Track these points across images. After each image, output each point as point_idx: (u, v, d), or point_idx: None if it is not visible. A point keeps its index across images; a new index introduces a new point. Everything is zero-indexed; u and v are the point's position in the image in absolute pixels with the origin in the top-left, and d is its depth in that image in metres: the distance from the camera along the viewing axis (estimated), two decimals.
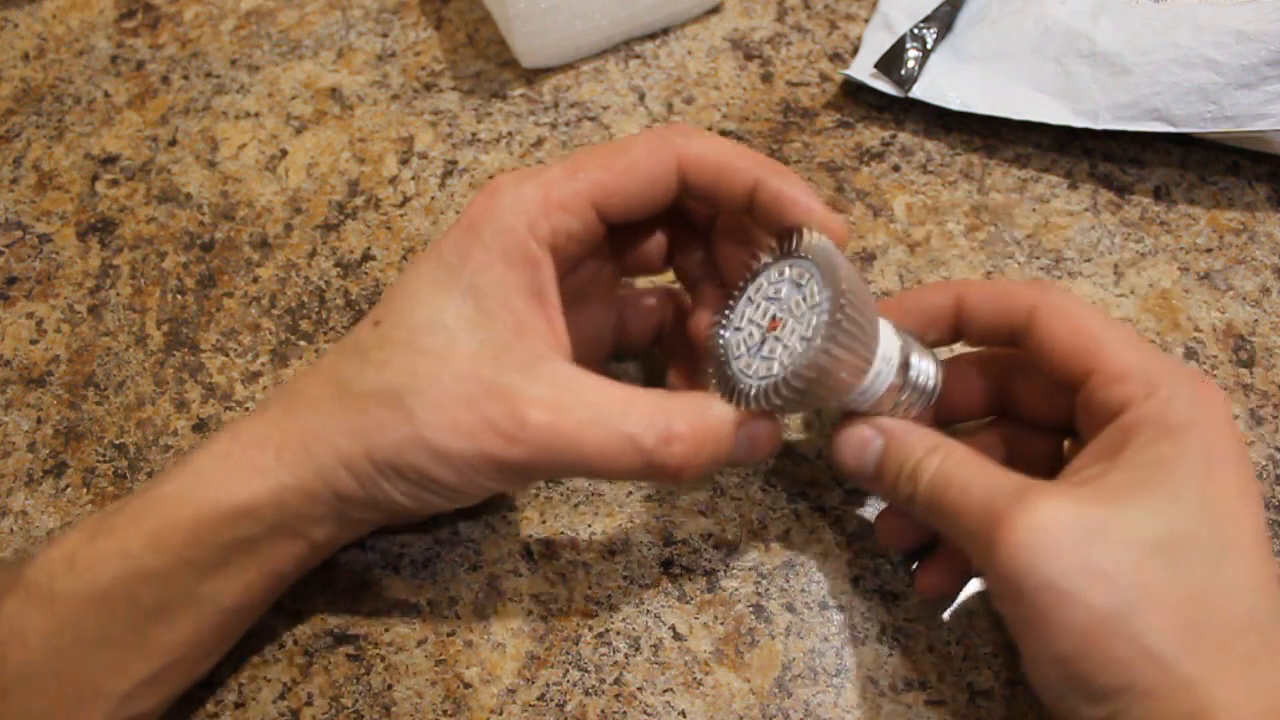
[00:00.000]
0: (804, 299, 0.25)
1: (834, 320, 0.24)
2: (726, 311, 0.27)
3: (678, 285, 0.33)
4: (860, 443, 0.27)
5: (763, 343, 0.26)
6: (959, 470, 0.25)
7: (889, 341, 0.26)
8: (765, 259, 0.27)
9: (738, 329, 0.27)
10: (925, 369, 0.28)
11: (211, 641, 0.27)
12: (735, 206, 0.27)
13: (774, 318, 0.26)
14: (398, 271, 0.38)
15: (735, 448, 0.26)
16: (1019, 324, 0.27)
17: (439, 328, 0.25)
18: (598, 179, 0.26)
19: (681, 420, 0.24)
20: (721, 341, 0.27)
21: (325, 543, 0.28)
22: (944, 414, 0.30)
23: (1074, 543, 0.22)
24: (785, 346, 0.25)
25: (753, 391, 0.25)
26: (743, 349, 0.26)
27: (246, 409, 0.35)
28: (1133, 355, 0.25)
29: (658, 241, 0.31)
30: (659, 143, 0.26)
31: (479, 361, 0.24)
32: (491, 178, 0.30)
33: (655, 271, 0.33)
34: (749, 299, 0.27)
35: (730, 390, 0.26)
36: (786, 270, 0.26)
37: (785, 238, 0.27)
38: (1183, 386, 0.24)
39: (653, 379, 0.36)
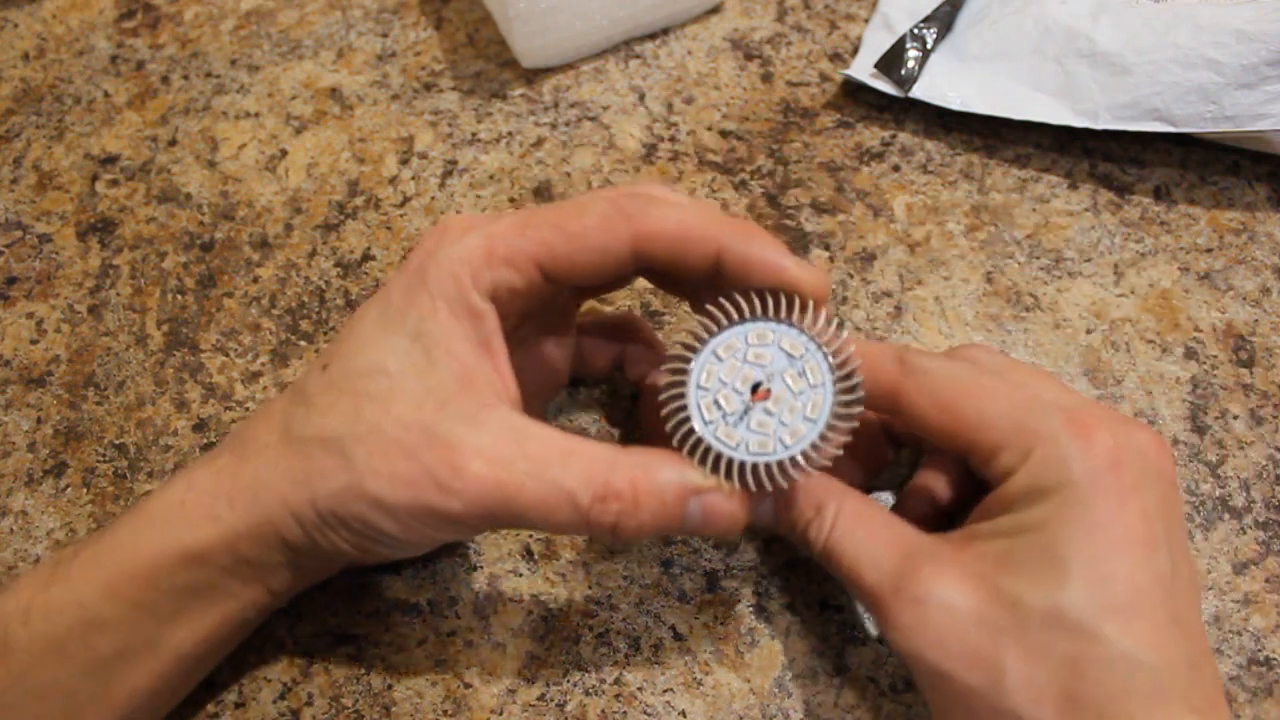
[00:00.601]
0: (801, 373, 0.24)
1: (850, 408, 0.24)
2: (681, 365, 0.25)
3: (635, 312, 0.32)
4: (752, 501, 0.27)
5: (746, 412, 0.24)
6: (846, 541, 0.26)
7: None
8: (734, 315, 0.25)
9: (703, 388, 0.25)
10: None
11: (171, 688, 0.27)
12: (700, 276, 0.26)
13: (759, 386, 0.24)
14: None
15: (685, 517, 0.24)
16: (888, 402, 0.26)
17: (382, 374, 0.24)
18: (545, 240, 0.25)
19: (622, 477, 0.23)
20: (684, 401, 0.25)
21: (284, 590, 0.28)
22: (905, 439, 0.31)
23: (952, 627, 0.23)
24: (784, 424, 0.24)
25: (750, 466, 0.24)
26: (716, 413, 0.24)
27: (247, 409, 0.35)
28: (1002, 423, 0.24)
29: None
30: (615, 213, 0.25)
31: (423, 409, 0.24)
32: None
33: (617, 289, 0.32)
34: (714, 356, 0.25)
35: (713, 460, 0.24)
36: (771, 335, 0.25)
37: (762, 298, 0.25)
38: (1058, 443, 0.23)
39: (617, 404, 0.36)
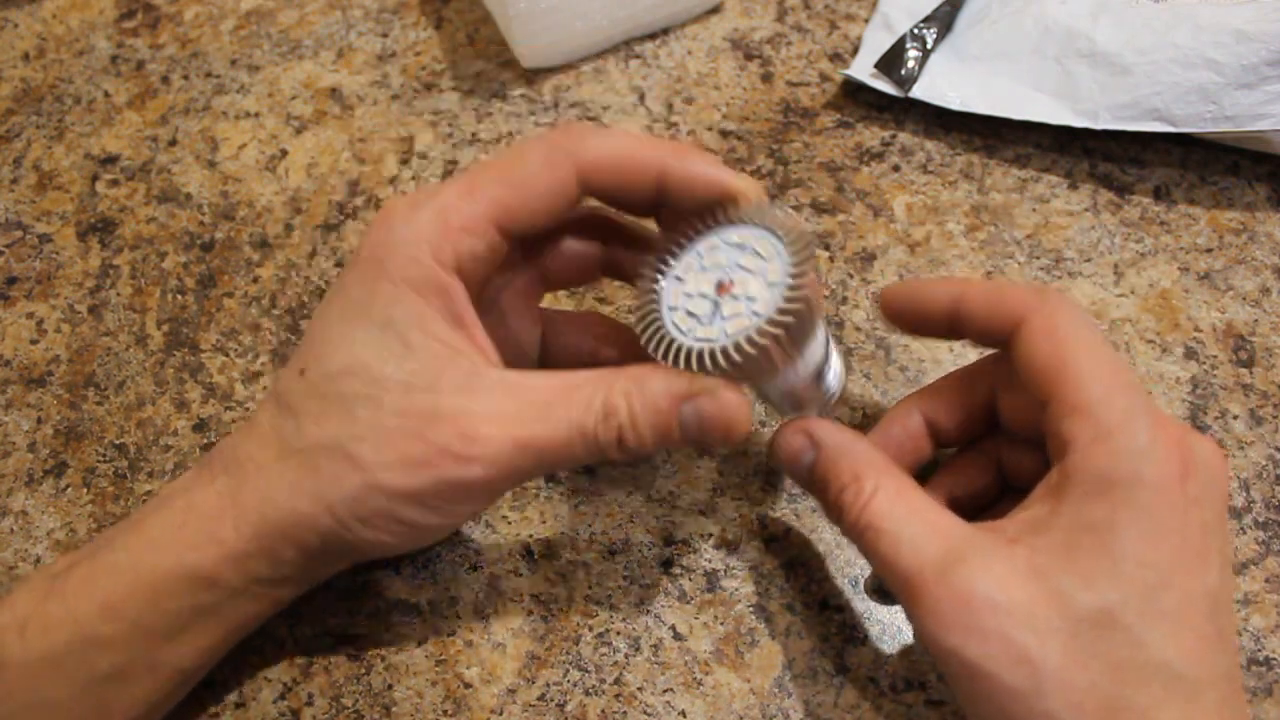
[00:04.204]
0: (754, 254, 0.25)
1: (803, 260, 0.24)
2: (649, 300, 0.26)
3: (611, 313, 0.32)
4: (795, 450, 0.27)
5: (716, 308, 0.25)
6: (887, 520, 0.24)
7: (821, 326, 0.26)
8: (681, 240, 0.26)
9: (673, 308, 0.25)
10: (838, 367, 0.28)
11: (168, 699, 0.27)
12: (646, 200, 0.26)
13: (721, 283, 0.25)
14: None
15: (683, 426, 0.24)
16: (1010, 331, 0.26)
17: (362, 370, 0.24)
18: (495, 197, 0.25)
19: (618, 393, 0.24)
20: (659, 321, 0.25)
21: (291, 597, 0.28)
22: (934, 437, 0.30)
23: (997, 624, 0.22)
24: (751, 299, 0.24)
25: (732, 344, 0.24)
26: (691, 321, 0.25)
27: (247, 409, 0.35)
28: (1095, 390, 0.24)
29: (588, 251, 0.30)
30: (554, 151, 0.25)
31: (413, 394, 0.24)
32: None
33: (586, 281, 0.32)
34: (676, 279, 0.26)
35: (699, 358, 0.24)
36: (717, 240, 0.26)
37: (706, 215, 0.26)
38: (1139, 435, 0.23)
39: None
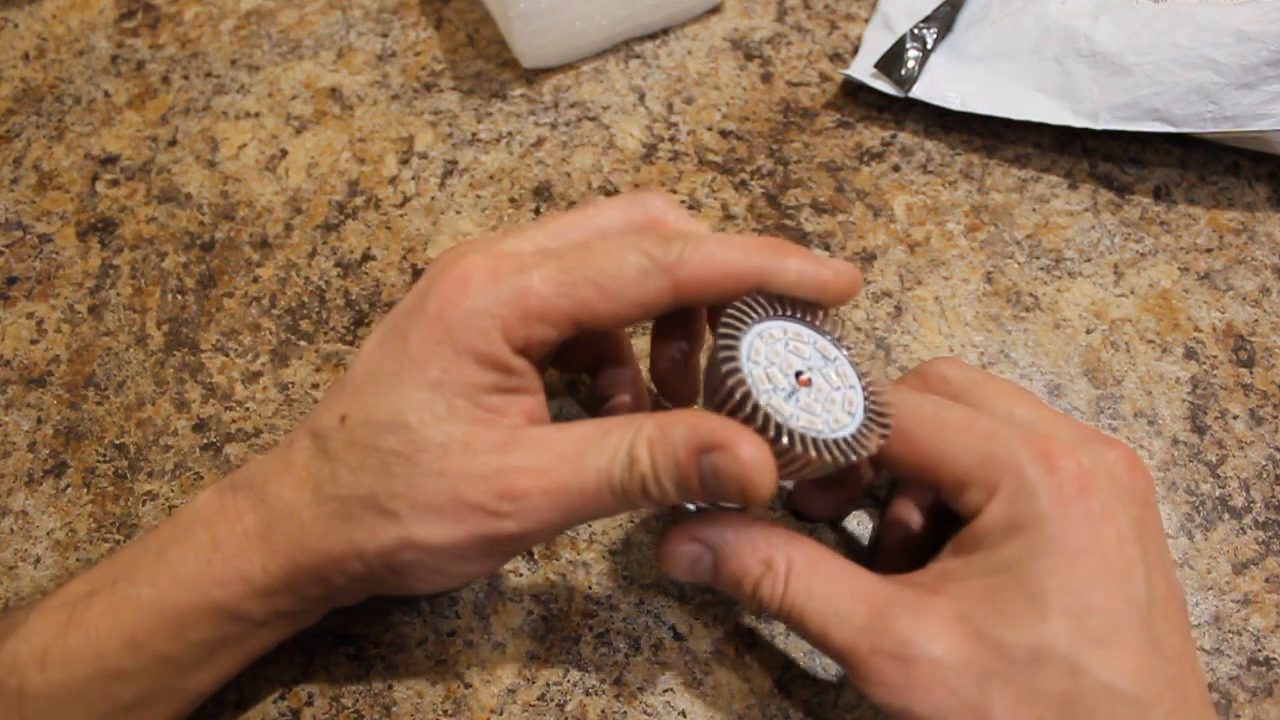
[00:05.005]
0: (837, 374, 0.26)
1: (882, 417, 0.25)
2: (732, 340, 0.25)
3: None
4: (690, 557, 0.26)
5: (793, 393, 0.25)
6: (808, 598, 0.24)
7: None
8: (775, 309, 0.26)
9: (753, 362, 0.25)
10: None
11: (184, 715, 0.28)
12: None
13: (801, 374, 0.25)
14: (398, 271, 0.38)
15: (701, 476, 0.23)
16: None
17: (404, 428, 0.24)
18: (584, 299, 0.24)
19: (642, 441, 0.23)
20: (738, 367, 0.24)
21: (309, 623, 0.28)
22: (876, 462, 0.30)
23: (940, 678, 0.22)
24: (828, 411, 0.25)
25: (812, 438, 0.24)
26: (768, 386, 0.25)
27: (247, 409, 0.35)
28: (966, 457, 0.24)
29: None
30: (651, 262, 0.24)
31: (450, 455, 0.24)
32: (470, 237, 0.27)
33: None
34: (758, 336, 0.25)
35: (774, 429, 0.24)
36: (805, 334, 0.26)
37: (804, 305, 0.26)
38: (1024, 474, 0.23)
39: None
